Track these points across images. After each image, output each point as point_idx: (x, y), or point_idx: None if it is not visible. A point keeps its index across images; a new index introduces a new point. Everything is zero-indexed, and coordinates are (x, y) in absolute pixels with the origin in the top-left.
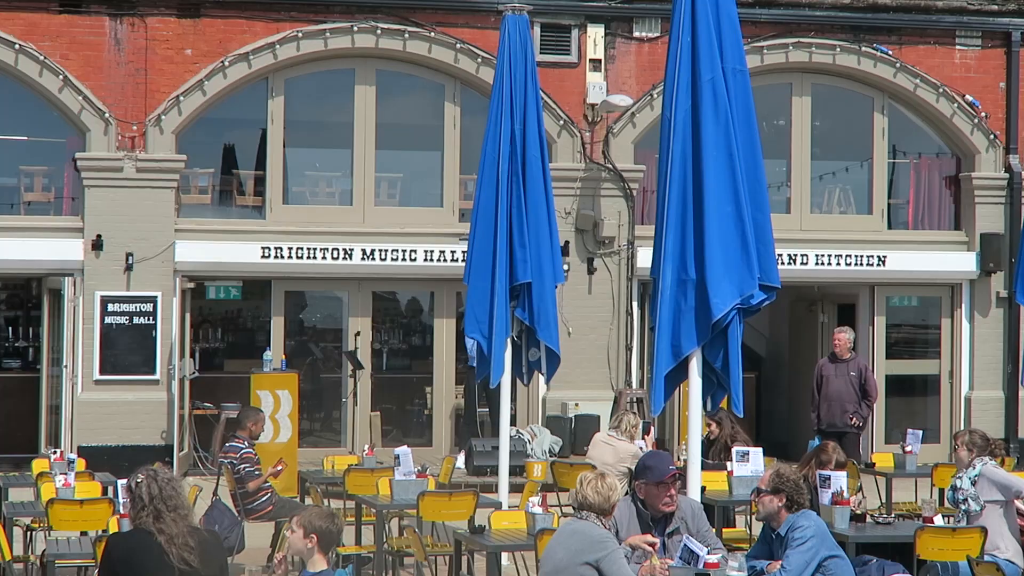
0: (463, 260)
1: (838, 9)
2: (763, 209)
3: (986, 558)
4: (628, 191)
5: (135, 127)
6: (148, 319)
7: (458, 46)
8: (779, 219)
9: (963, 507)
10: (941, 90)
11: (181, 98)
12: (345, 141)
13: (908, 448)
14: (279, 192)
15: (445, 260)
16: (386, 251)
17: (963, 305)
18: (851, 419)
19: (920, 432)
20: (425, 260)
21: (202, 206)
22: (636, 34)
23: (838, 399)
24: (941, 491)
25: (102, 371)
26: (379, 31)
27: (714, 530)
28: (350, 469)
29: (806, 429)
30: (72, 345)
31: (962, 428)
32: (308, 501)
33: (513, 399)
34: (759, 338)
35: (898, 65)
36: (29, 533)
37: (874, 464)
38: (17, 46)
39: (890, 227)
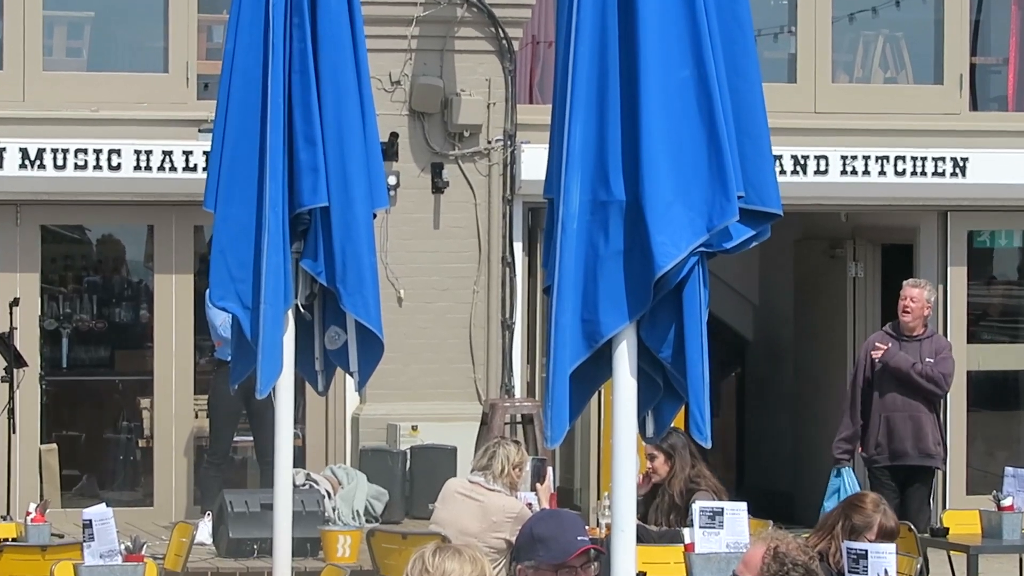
0: (207, 169)
1: None
2: (747, 76)
3: None
4: (505, 44)
5: None
6: None
7: None
8: (777, 93)
9: None
10: None
11: None
12: None
13: (1006, 501)
14: None
15: (174, 168)
16: (67, 152)
17: None
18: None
19: None
20: (138, 168)
21: None
22: None
23: (906, 409)
24: None
25: None
26: None
27: None
28: (4, 546)
29: (826, 468)
30: None
31: None
32: None
33: (300, 419)
34: (743, 307)
35: None
36: None
37: (947, 529)
38: None
39: (975, 107)
